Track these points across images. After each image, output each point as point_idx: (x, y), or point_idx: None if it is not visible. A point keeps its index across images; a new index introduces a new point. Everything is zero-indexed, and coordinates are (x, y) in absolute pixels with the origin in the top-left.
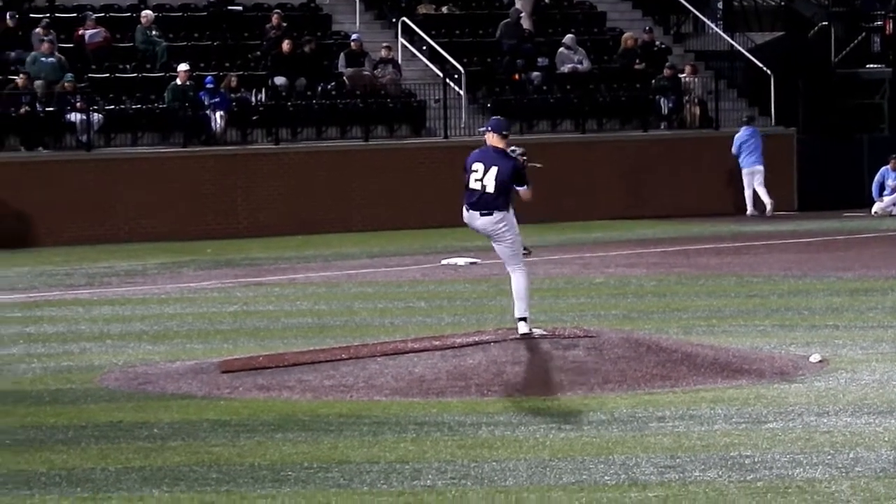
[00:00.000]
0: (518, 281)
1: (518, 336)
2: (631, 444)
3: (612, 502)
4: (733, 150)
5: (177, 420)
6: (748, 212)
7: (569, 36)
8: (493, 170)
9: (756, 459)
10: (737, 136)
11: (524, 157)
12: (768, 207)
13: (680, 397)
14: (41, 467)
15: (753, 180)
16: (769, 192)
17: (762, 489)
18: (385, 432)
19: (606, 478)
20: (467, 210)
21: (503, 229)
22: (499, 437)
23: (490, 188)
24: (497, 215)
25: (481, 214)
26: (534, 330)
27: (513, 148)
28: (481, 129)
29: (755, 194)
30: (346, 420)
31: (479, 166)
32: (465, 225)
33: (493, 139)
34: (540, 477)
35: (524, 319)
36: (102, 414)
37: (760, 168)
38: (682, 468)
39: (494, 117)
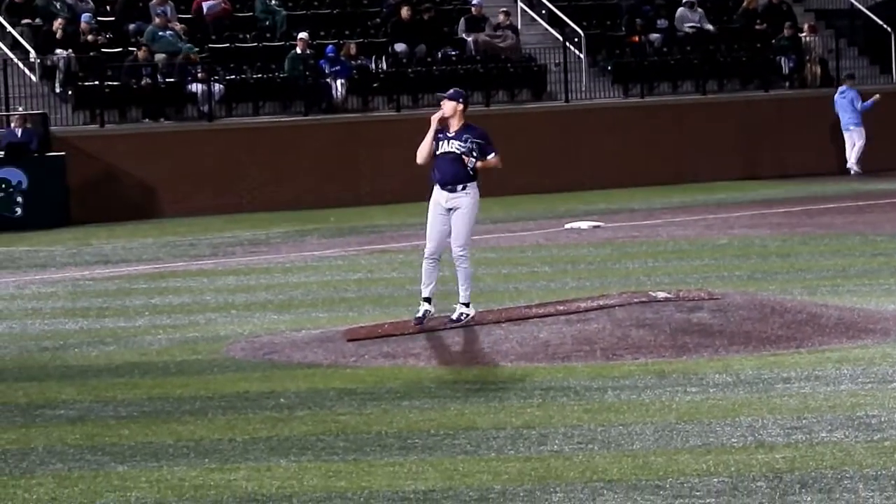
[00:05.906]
0: (467, 267)
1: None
2: (757, 405)
3: (740, 465)
4: None
5: (303, 389)
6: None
7: None
8: (458, 143)
9: (883, 419)
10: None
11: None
12: (849, 166)
13: (805, 358)
14: (168, 439)
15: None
16: (859, 158)
17: (889, 449)
18: (511, 398)
19: (733, 440)
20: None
21: (469, 204)
22: (625, 400)
23: (460, 161)
24: (470, 188)
25: (451, 190)
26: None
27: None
28: (440, 94)
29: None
30: (471, 386)
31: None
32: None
33: (451, 109)
34: (667, 440)
35: (467, 304)
36: (229, 384)
37: (846, 128)
38: (809, 429)
39: (453, 88)
